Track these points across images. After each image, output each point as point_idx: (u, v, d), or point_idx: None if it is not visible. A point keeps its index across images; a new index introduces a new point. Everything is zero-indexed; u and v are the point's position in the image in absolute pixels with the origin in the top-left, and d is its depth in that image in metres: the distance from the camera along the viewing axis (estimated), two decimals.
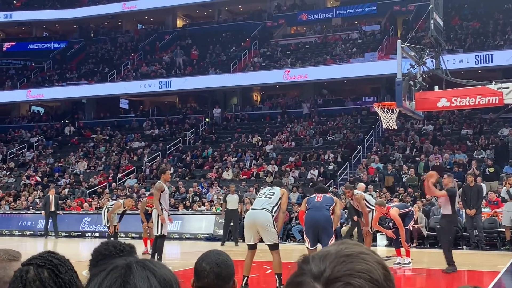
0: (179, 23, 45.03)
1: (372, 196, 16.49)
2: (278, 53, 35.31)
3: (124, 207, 15.90)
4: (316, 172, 24.13)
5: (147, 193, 21.69)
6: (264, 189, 9.73)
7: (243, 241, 10.55)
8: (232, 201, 18.23)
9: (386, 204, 12.57)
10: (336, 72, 30.85)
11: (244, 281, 8.57)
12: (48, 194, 22.42)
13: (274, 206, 8.80)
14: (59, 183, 27.77)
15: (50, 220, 21.76)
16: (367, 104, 30.89)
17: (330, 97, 34.50)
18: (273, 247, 8.71)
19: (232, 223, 18.37)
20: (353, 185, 14.89)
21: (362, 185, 16.62)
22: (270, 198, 8.89)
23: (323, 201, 9.59)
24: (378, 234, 16.38)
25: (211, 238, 20.15)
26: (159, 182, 11.57)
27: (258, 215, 8.75)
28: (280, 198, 8.90)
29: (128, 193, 21.73)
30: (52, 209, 21.60)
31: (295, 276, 1.07)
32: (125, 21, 45.24)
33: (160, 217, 11.36)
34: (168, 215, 11.91)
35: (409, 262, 12.06)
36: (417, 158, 23.34)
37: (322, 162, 25.40)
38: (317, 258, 1.07)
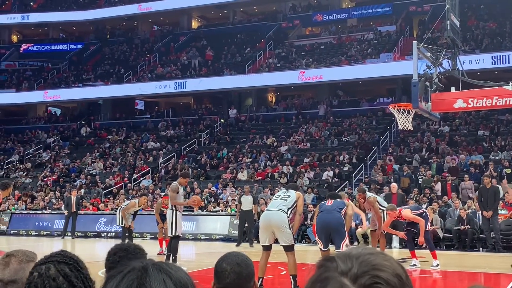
0: (194, 24, 45.16)
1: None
2: (293, 54, 35.27)
3: (139, 206, 15.92)
4: (331, 173, 24.06)
5: (162, 194, 21.77)
6: (279, 192, 9.78)
7: (258, 242, 10.55)
8: (246, 202, 18.25)
9: (397, 208, 12.48)
10: (351, 73, 30.75)
11: (259, 282, 8.57)
12: (70, 195, 22.59)
13: (289, 208, 8.84)
14: (75, 183, 27.95)
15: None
16: (382, 105, 30.73)
17: (345, 98, 34.40)
18: (288, 248, 8.71)
19: (246, 224, 18.40)
20: (367, 188, 14.82)
21: (394, 185, 16.63)
22: (286, 200, 8.93)
23: (334, 204, 9.65)
24: (393, 236, 16.29)
25: (226, 239, 20.15)
26: (174, 183, 11.58)
27: (273, 216, 8.77)
28: (295, 201, 8.95)
29: (142, 192, 21.81)
30: (74, 209, 21.76)
31: (321, 272, 1.08)
32: (141, 23, 45.46)
33: (188, 201, 11.73)
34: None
35: (437, 265, 11.91)
36: (430, 160, 23.20)
37: (337, 163, 25.32)
38: (341, 256, 1.08)
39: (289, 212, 8.81)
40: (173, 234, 11.44)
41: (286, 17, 40.40)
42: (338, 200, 9.96)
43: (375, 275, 1.03)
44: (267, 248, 8.87)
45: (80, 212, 22.49)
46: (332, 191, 16.39)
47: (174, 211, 11.39)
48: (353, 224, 15.78)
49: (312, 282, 1.08)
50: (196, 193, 23.86)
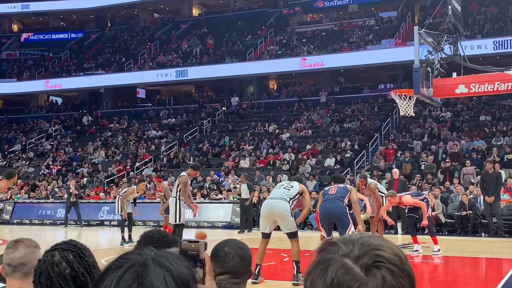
0: (195, 11, 44.99)
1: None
2: (294, 41, 35.16)
3: (137, 192, 15.67)
4: (333, 160, 24.08)
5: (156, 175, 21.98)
6: (283, 181, 9.77)
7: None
8: (243, 190, 18.54)
9: (398, 194, 12.51)
10: (353, 60, 30.66)
11: (257, 270, 8.60)
12: (69, 184, 22.57)
13: (291, 198, 8.88)
14: (77, 172, 28.00)
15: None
16: (384, 91, 30.67)
17: (347, 85, 34.32)
18: (292, 236, 8.75)
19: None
20: (369, 174, 14.82)
21: (396, 170, 16.71)
22: (289, 190, 8.97)
23: (337, 192, 9.52)
24: (397, 222, 16.33)
25: (228, 226, 20.23)
26: (184, 176, 11.50)
27: (276, 205, 8.80)
28: (298, 192, 8.98)
29: (140, 178, 21.77)
30: (74, 199, 21.72)
31: (323, 255, 1.11)
32: (141, 10, 45.29)
33: (193, 205, 11.73)
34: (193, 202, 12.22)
35: (438, 250, 11.94)
36: (433, 146, 23.17)
37: (339, 150, 25.34)
38: (342, 240, 1.12)
39: (291, 202, 8.84)
40: (177, 222, 11.45)
41: (287, 4, 40.23)
42: (341, 186, 9.83)
43: (376, 255, 1.07)
44: (267, 236, 8.92)
45: (83, 200, 22.48)
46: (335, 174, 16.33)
47: (178, 200, 11.40)
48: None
49: (315, 264, 1.10)
50: (199, 181, 23.93)
